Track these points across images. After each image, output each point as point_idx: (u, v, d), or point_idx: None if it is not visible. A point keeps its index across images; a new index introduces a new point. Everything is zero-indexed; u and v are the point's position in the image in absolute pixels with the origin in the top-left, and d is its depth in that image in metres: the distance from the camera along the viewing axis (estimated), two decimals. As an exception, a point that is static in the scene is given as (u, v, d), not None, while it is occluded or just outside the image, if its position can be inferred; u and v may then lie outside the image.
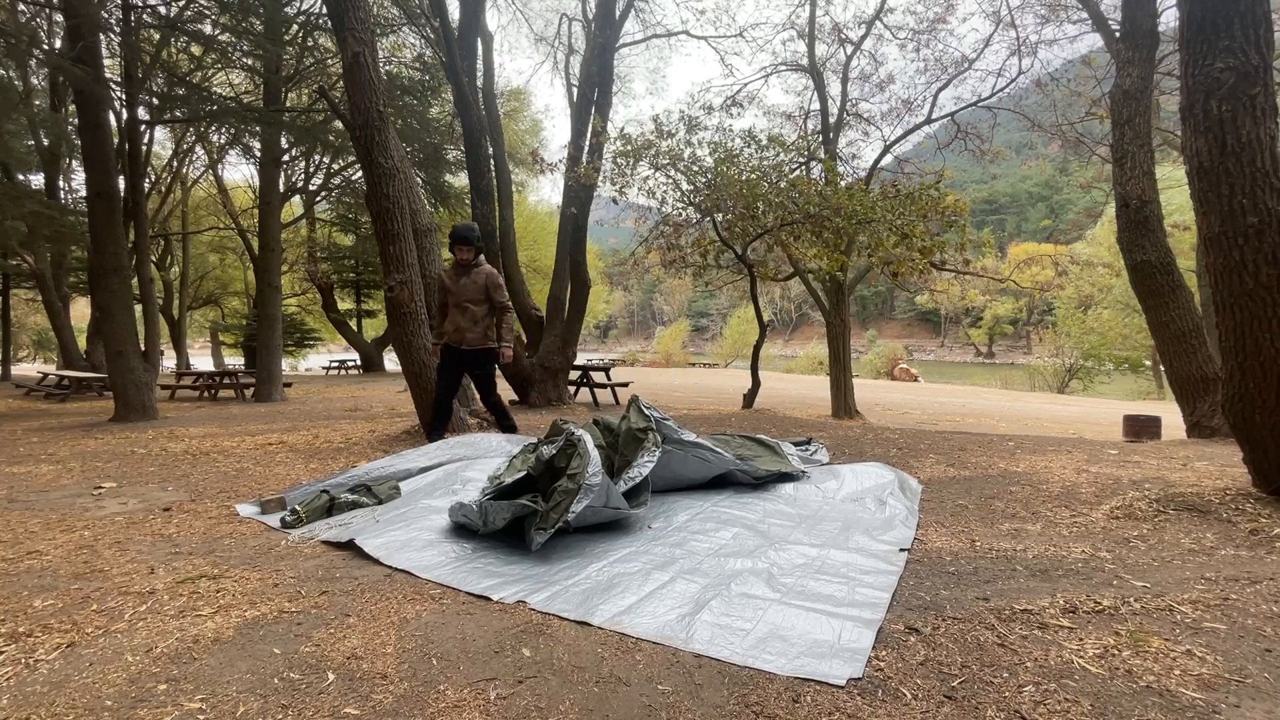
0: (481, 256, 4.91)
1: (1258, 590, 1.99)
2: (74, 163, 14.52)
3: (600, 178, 8.97)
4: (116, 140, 9.17)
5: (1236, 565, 2.26)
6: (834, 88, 12.65)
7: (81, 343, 15.47)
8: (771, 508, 3.27)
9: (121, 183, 9.18)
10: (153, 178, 16.69)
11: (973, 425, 9.63)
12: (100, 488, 3.90)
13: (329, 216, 22.89)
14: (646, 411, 3.44)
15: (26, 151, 13.05)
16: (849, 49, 12.48)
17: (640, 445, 3.25)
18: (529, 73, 65.77)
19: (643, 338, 78.57)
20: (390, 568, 2.44)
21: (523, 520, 2.69)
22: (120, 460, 4.87)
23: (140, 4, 9.41)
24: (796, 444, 4.62)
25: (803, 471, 3.90)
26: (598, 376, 10.53)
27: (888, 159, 13.12)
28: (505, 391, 10.63)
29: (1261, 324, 2.81)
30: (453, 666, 1.67)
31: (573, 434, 2.97)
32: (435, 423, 4.97)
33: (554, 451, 3.01)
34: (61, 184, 14.82)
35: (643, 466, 3.04)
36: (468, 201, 11.21)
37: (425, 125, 12.66)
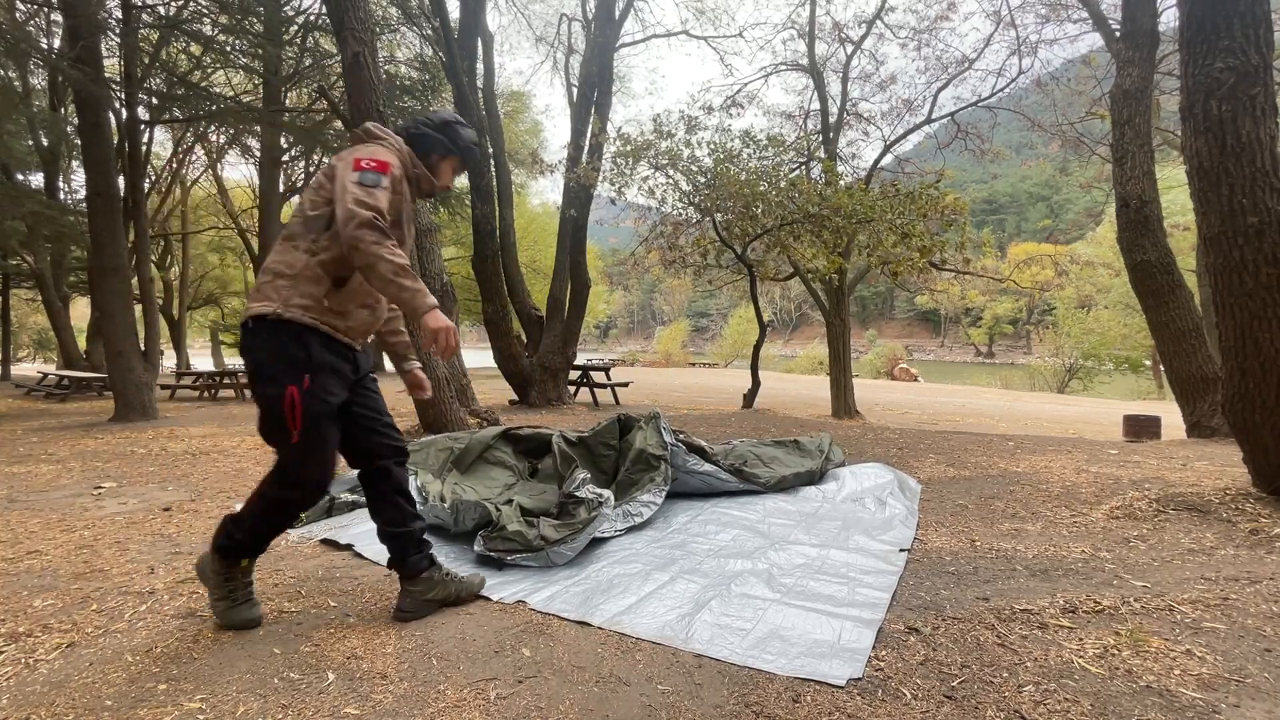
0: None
1: (1258, 590, 1.99)
2: (74, 163, 14.51)
3: (600, 178, 8.98)
4: (116, 140, 9.17)
5: (1236, 565, 2.26)
6: (834, 87, 12.68)
7: (81, 343, 15.46)
8: (771, 507, 3.27)
9: (121, 183, 9.17)
10: (153, 178, 16.68)
11: (973, 425, 9.64)
12: (100, 488, 3.90)
13: (329, 216, 22.86)
14: (665, 438, 3.34)
15: (26, 151, 13.04)
16: (849, 48, 12.50)
17: (649, 473, 3.16)
18: (529, 73, 65.82)
19: (643, 338, 78.58)
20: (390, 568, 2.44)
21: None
22: (120, 460, 4.88)
23: (140, 4, 9.40)
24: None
25: (818, 472, 3.85)
26: (598, 376, 10.53)
27: (888, 159, 13.16)
28: (505, 391, 10.64)
29: (1261, 324, 2.81)
30: (453, 666, 1.67)
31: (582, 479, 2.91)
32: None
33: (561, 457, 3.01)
34: (61, 184, 14.81)
35: (645, 507, 2.98)
36: (468, 201, 11.21)
37: (425, 125, 12.63)
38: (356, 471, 1.99)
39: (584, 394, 10.45)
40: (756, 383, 9.69)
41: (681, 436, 3.54)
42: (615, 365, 14.46)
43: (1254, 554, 2.38)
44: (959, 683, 1.55)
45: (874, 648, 1.74)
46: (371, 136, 1.94)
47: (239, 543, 1.85)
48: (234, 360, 26.13)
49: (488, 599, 2.12)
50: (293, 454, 1.77)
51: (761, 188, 8.03)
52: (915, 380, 29.19)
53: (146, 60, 9.73)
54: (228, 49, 9.75)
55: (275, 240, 1.82)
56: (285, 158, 14.99)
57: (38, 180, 14.59)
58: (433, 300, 1.74)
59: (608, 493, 2.81)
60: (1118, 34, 6.87)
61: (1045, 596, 2.02)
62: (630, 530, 2.87)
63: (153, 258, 16.05)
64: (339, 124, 11.01)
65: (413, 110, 12.24)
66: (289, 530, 2.97)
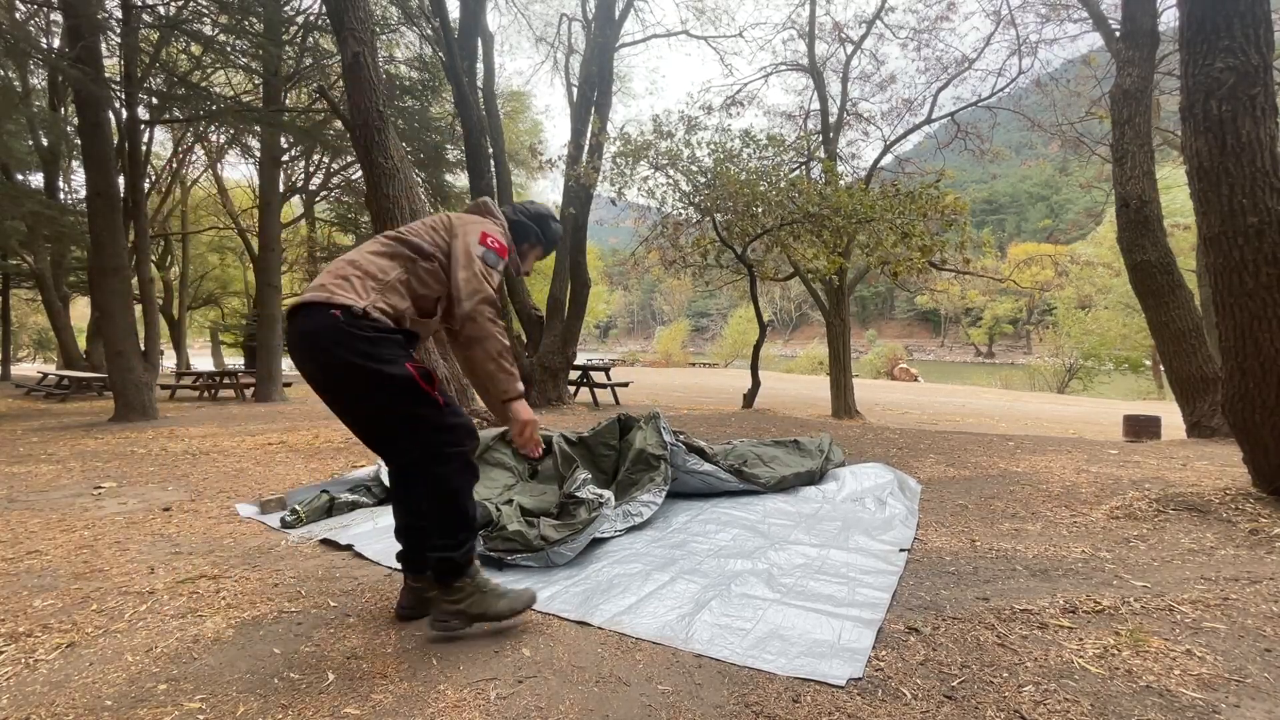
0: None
1: (1258, 590, 1.99)
2: (74, 163, 14.51)
3: (600, 178, 8.98)
4: (116, 140, 9.17)
5: (1236, 565, 2.26)
6: (834, 87, 12.68)
7: (81, 343, 15.46)
8: (771, 507, 3.26)
9: (121, 183, 9.17)
10: (153, 178, 16.67)
11: (973, 425, 9.64)
12: (100, 488, 3.90)
13: (329, 216, 22.88)
14: (665, 437, 3.31)
15: (26, 151, 13.05)
16: (849, 48, 12.51)
17: (649, 473, 3.15)
18: (529, 73, 65.85)
19: (643, 338, 78.62)
20: (390, 568, 2.44)
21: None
22: (120, 460, 4.88)
23: (140, 4, 9.40)
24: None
25: (818, 472, 3.86)
26: (598, 376, 10.54)
27: (888, 159, 13.16)
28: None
29: (1261, 324, 2.81)
30: (453, 666, 1.67)
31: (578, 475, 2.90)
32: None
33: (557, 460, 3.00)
34: (61, 184, 14.81)
35: (646, 507, 2.96)
36: (468, 201, 11.21)
37: (425, 125, 12.66)
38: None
39: (584, 394, 10.45)
40: (756, 383, 9.69)
41: (681, 437, 3.53)
42: (615, 365, 14.47)
43: (1254, 554, 2.38)
44: (959, 683, 1.55)
45: (874, 648, 1.74)
46: (488, 213, 2.04)
47: (465, 541, 1.81)
48: (234, 360, 26.14)
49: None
50: (448, 415, 1.76)
51: (761, 187, 8.03)
52: (915, 380, 29.19)
53: (146, 60, 9.74)
54: (228, 49, 9.75)
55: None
56: (285, 158, 14.99)
57: (38, 180, 14.60)
58: (522, 387, 1.84)
59: (608, 493, 2.81)
60: (1118, 34, 6.87)
61: (1045, 596, 2.02)
62: (630, 530, 2.87)
63: (153, 258, 16.05)
64: (339, 124, 11.00)
65: (412, 110, 12.26)
66: (289, 531, 2.98)
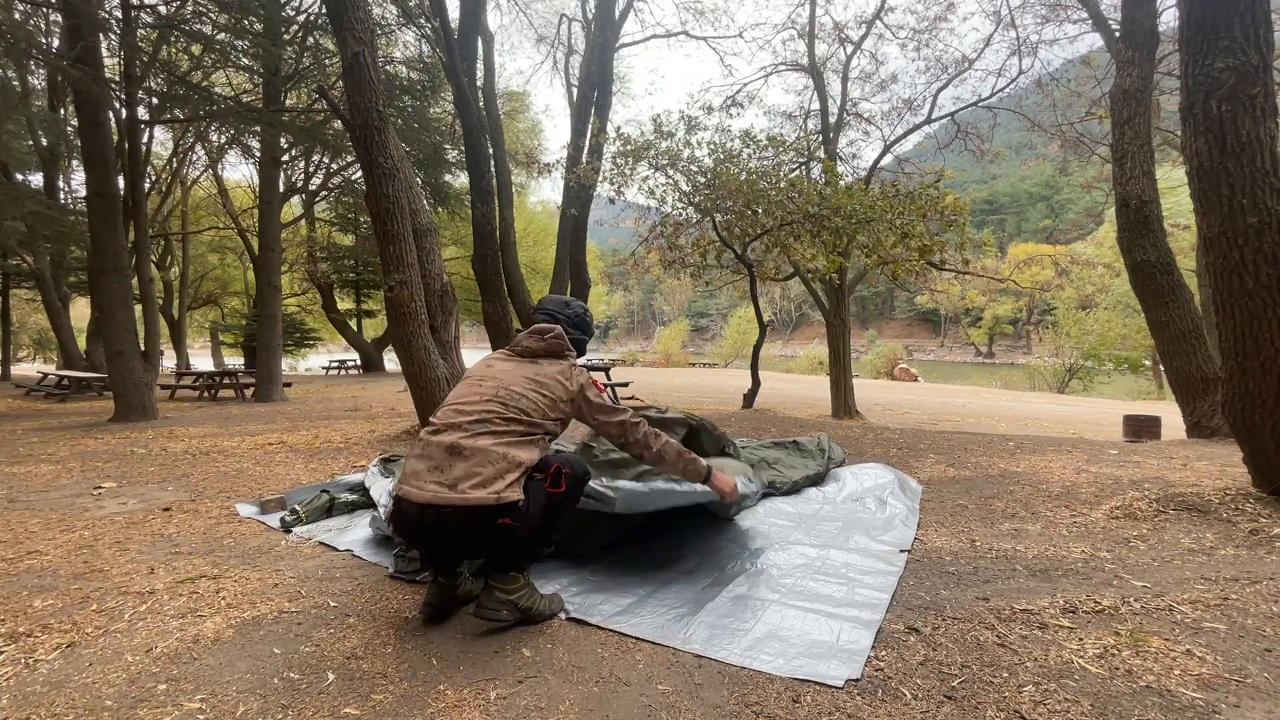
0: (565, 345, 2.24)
1: (1258, 590, 1.99)
2: (74, 163, 14.50)
3: (600, 178, 8.97)
4: (116, 140, 9.16)
5: (1236, 565, 2.26)
6: (834, 87, 12.66)
7: (81, 343, 15.46)
8: (771, 508, 3.26)
9: (121, 182, 9.17)
10: (153, 178, 16.66)
11: (973, 425, 9.63)
12: (100, 488, 3.90)
13: (329, 216, 22.90)
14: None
15: (26, 151, 13.04)
16: (849, 48, 12.49)
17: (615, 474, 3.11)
18: (529, 73, 65.77)
19: (643, 338, 78.62)
20: (390, 569, 2.44)
21: None
22: (120, 460, 4.88)
23: (140, 4, 9.40)
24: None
25: (824, 474, 3.84)
26: (598, 376, 10.53)
27: (888, 159, 13.13)
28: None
29: (1261, 324, 2.81)
30: (453, 666, 1.67)
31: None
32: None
33: None
34: (61, 184, 14.81)
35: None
36: (467, 202, 11.21)
37: (425, 125, 12.65)
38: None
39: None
40: (756, 383, 9.69)
41: None
42: (615, 365, 14.46)
43: (1254, 554, 2.38)
44: (959, 683, 1.55)
45: (874, 648, 1.74)
46: (566, 353, 2.19)
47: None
48: (234, 360, 26.13)
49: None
50: (564, 486, 1.98)
51: (761, 187, 8.03)
52: (915, 380, 29.19)
53: (146, 60, 9.72)
54: (228, 49, 9.73)
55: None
56: (285, 158, 14.98)
57: (38, 180, 14.59)
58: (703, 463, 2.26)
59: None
60: (1118, 34, 6.87)
61: (1045, 596, 2.02)
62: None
63: (153, 258, 16.04)
64: (339, 124, 10.99)
65: (412, 109, 12.25)
66: (289, 530, 2.97)
